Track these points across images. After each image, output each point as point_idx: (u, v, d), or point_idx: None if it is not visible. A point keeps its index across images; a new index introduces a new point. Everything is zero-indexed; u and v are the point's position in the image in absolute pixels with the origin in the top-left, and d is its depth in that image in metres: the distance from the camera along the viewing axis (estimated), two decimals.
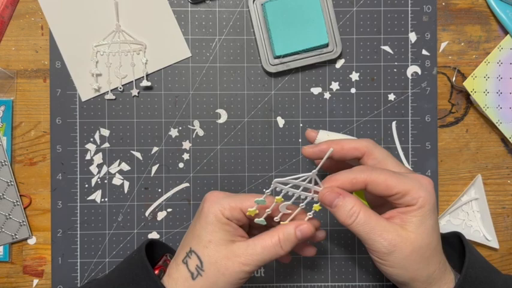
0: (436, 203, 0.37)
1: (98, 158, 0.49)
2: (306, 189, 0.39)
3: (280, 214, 0.39)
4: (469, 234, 0.50)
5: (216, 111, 0.49)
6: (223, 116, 0.49)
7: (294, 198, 0.38)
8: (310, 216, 0.39)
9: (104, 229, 0.49)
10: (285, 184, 0.37)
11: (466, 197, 0.50)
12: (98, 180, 0.49)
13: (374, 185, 0.37)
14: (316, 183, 0.38)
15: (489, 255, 0.50)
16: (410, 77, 0.50)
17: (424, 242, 0.36)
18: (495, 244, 0.49)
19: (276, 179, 0.36)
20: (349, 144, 0.39)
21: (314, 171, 0.37)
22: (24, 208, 0.48)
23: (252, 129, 0.49)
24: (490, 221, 0.50)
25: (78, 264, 0.48)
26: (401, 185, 0.36)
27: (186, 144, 0.49)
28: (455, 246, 0.42)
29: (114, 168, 0.49)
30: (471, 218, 0.50)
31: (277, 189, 0.38)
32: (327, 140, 0.41)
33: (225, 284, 0.37)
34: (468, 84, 0.49)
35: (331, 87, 0.49)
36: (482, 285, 0.37)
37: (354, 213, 0.37)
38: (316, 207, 0.40)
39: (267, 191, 0.37)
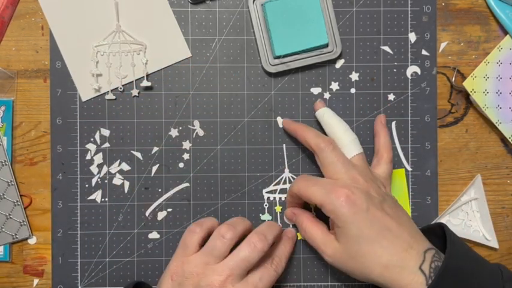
0: (359, 213, 0.39)
1: (98, 158, 0.49)
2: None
3: None
4: (468, 234, 0.50)
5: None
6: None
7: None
8: None
9: (104, 229, 0.49)
10: None
11: (466, 197, 0.50)
12: (98, 180, 0.49)
13: (302, 195, 0.42)
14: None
15: (489, 255, 0.51)
16: (410, 77, 0.50)
17: (352, 251, 0.40)
18: (495, 244, 0.50)
19: None
20: (308, 138, 0.44)
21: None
22: (25, 208, 0.48)
23: (252, 129, 0.49)
24: (489, 221, 0.50)
25: (79, 264, 0.49)
26: (316, 197, 0.41)
27: (186, 144, 0.49)
28: (441, 237, 0.42)
29: (114, 168, 0.49)
30: (471, 218, 0.50)
31: None
32: (301, 125, 0.46)
33: None
34: (468, 84, 0.49)
35: (331, 87, 0.50)
36: (464, 276, 0.37)
37: (304, 230, 0.44)
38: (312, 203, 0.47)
39: None
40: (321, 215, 0.43)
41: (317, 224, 0.44)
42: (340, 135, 0.45)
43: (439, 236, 0.43)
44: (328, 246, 0.42)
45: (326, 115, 0.46)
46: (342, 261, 0.41)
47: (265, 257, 0.43)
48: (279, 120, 0.49)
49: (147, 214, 0.49)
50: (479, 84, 0.49)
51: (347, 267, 0.41)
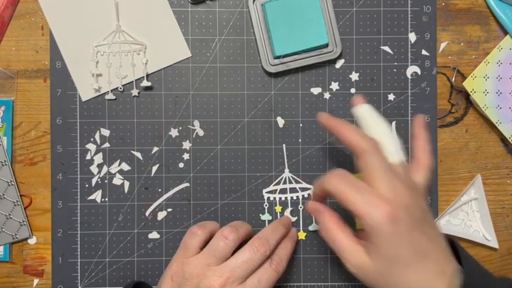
0: (399, 234, 0.35)
1: (98, 158, 0.49)
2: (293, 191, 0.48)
3: None
4: (468, 234, 0.50)
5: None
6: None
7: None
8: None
9: (104, 229, 0.49)
10: None
11: (466, 197, 0.50)
12: (98, 180, 0.49)
13: (337, 197, 0.38)
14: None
15: (489, 255, 0.51)
16: (410, 77, 0.50)
17: (382, 270, 0.37)
18: (495, 244, 0.50)
19: None
20: (351, 138, 0.39)
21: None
22: (25, 208, 0.48)
23: (252, 129, 0.49)
24: (489, 221, 0.50)
25: (79, 264, 0.49)
26: (355, 206, 0.36)
27: (186, 144, 0.49)
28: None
29: (114, 168, 0.49)
30: (471, 218, 0.50)
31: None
32: (342, 122, 0.40)
33: None
34: (468, 84, 0.49)
35: (331, 87, 0.50)
36: None
37: (327, 231, 0.39)
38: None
39: None
40: (345, 214, 0.40)
41: (344, 228, 0.39)
42: (383, 140, 0.40)
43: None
44: (353, 256, 0.38)
45: (366, 113, 0.41)
46: (366, 275, 0.38)
47: None
48: (279, 120, 0.49)
49: (147, 214, 0.49)
50: (479, 84, 0.49)
51: (371, 282, 0.38)
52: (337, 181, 0.38)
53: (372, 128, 0.41)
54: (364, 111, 0.41)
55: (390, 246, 0.36)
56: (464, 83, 0.49)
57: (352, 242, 0.38)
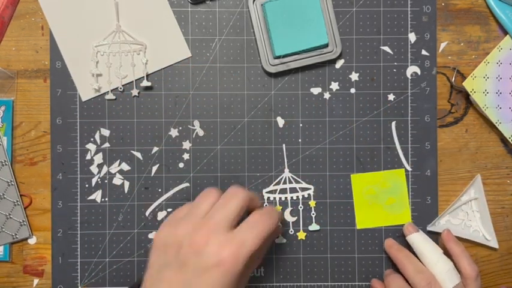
0: None
1: (98, 158, 0.49)
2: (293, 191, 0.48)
3: None
4: (468, 234, 0.50)
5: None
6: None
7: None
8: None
9: (104, 229, 0.49)
10: None
11: (466, 196, 0.50)
12: (98, 180, 0.49)
13: None
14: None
15: (488, 255, 0.51)
16: (409, 77, 0.50)
17: None
18: (494, 244, 0.50)
19: None
20: (407, 273, 0.44)
21: None
22: (25, 208, 0.48)
23: (252, 129, 0.49)
24: (489, 220, 0.50)
25: (79, 264, 0.49)
26: None
27: (186, 144, 0.49)
28: None
29: (114, 168, 0.49)
30: (470, 217, 0.50)
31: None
32: (402, 255, 0.46)
33: None
34: (468, 84, 0.49)
35: (330, 87, 0.50)
36: None
37: None
38: (312, 203, 0.49)
39: None
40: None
41: None
42: (433, 266, 0.45)
43: None
44: None
45: (416, 242, 0.47)
46: None
47: None
48: (279, 120, 0.49)
49: (147, 214, 0.49)
50: (479, 84, 0.49)
51: None
52: None
53: (423, 256, 0.46)
54: (415, 240, 0.47)
55: None
56: (464, 83, 0.49)
57: None
